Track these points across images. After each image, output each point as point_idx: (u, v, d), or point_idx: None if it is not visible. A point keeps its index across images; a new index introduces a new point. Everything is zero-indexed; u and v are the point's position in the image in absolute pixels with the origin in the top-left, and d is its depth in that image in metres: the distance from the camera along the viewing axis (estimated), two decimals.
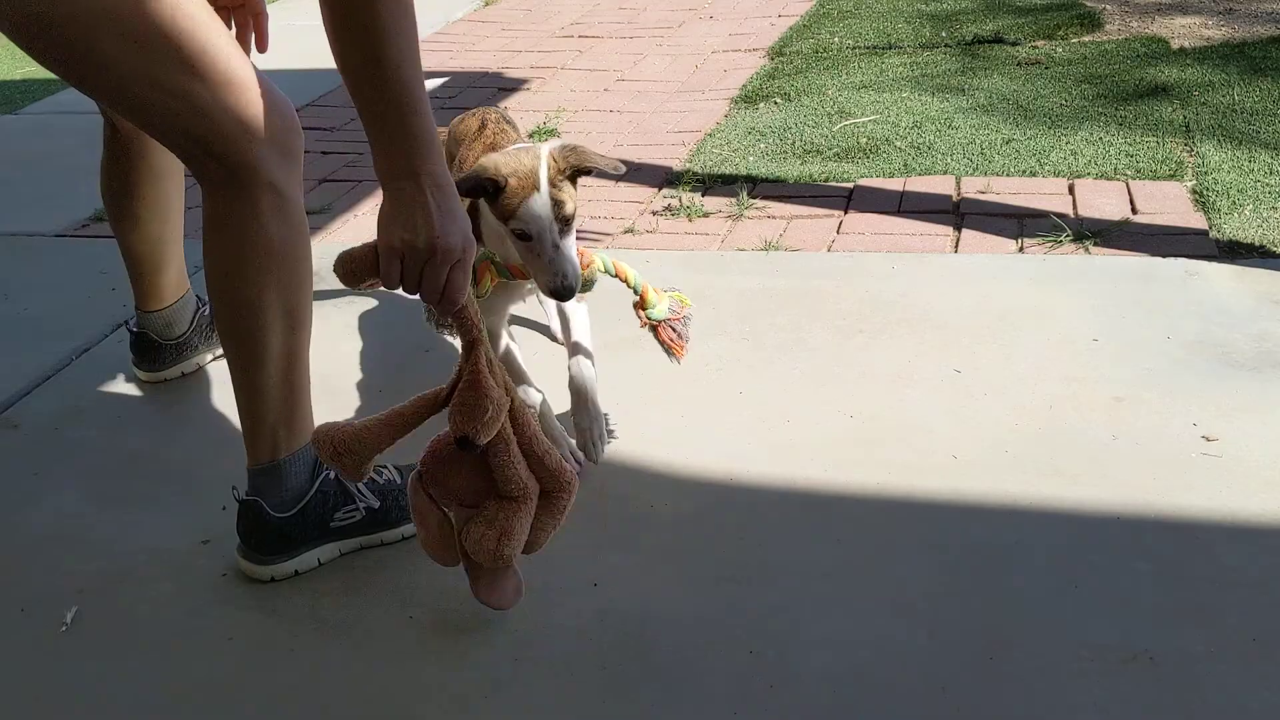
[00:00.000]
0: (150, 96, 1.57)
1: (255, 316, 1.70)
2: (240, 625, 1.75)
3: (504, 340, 2.02)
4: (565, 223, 1.79)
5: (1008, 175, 3.27)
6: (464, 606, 1.72)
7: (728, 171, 3.44)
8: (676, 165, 3.53)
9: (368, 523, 1.86)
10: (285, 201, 1.68)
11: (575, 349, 2.02)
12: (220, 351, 2.41)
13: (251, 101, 1.62)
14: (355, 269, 1.51)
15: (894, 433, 2.09)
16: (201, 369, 2.45)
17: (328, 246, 3.12)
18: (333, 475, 1.83)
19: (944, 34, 4.72)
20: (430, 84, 1.57)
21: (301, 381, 1.78)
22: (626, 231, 3.08)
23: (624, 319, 2.57)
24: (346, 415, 2.23)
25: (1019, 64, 4.27)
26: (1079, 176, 3.24)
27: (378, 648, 1.68)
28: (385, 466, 1.93)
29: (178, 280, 2.35)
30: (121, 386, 2.43)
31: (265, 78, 1.66)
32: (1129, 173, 3.23)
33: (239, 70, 1.61)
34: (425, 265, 1.47)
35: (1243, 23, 4.58)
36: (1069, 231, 2.87)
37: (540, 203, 1.77)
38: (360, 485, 1.86)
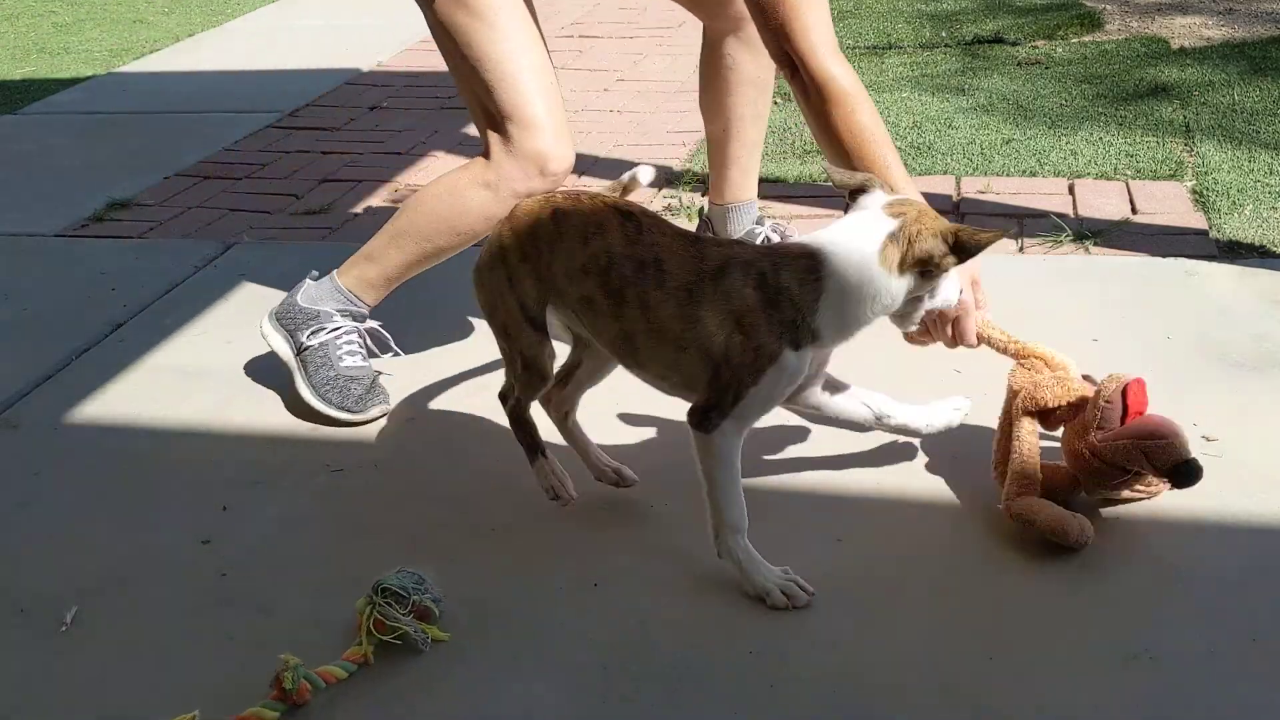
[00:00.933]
0: (463, 92, 2.19)
1: (409, 215, 2.22)
2: (240, 625, 1.75)
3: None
4: None
5: (1008, 175, 3.28)
6: (463, 606, 1.72)
7: None
8: (676, 165, 3.53)
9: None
10: (496, 191, 2.12)
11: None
12: None
13: (517, 129, 2.11)
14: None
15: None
16: (211, 372, 2.45)
17: (334, 248, 3.12)
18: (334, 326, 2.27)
19: (944, 34, 4.73)
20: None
21: (387, 272, 2.26)
22: None
23: None
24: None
25: (1019, 64, 4.27)
26: (1079, 176, 3.24)
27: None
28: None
29: (730, 186, 2.66)
30: (121, 386, 2.43)
31: (553, 111, 2.14)
32: (1129, 173, 3.23)
33: (523, 108, 2.11)
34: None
35: (1243, 23, 4.58)
36: (1069, 231, 2.87)
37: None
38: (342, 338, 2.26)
